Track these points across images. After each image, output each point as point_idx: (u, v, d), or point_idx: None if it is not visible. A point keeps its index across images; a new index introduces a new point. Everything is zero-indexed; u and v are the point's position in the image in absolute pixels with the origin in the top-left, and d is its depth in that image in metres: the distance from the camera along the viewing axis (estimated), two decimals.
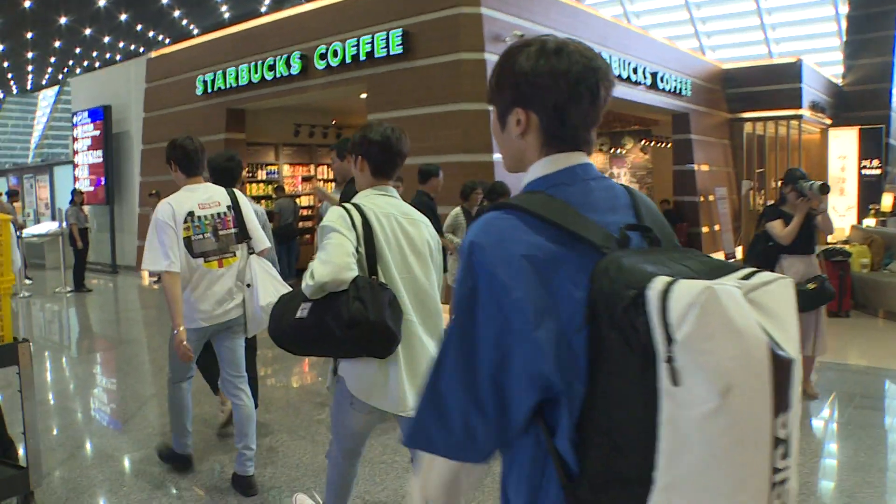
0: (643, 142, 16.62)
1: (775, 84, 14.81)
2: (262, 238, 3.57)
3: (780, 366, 0.83)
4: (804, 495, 3.44)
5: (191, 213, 3.36)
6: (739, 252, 14.35)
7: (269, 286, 3.39)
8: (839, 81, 17.76)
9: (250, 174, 12.90)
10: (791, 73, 14.83)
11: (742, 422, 0.82)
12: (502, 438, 1.04)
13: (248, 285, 3.44)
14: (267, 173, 13.45)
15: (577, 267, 0.97)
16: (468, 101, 8.37)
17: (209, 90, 11.84)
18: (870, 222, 12.73)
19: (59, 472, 3.82)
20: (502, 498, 1.11)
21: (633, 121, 15.38)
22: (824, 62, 18.16)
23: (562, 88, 1.07)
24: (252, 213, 3.61)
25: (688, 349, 0.81)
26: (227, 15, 22.73)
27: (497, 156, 8.19)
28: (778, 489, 0.86)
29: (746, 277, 0.89)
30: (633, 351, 0.86)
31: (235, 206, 3.52)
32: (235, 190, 3.65)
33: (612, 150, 17.02)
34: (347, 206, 2.34)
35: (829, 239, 4.93)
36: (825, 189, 4.63)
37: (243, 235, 3.50)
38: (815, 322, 4.86)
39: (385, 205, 2.40)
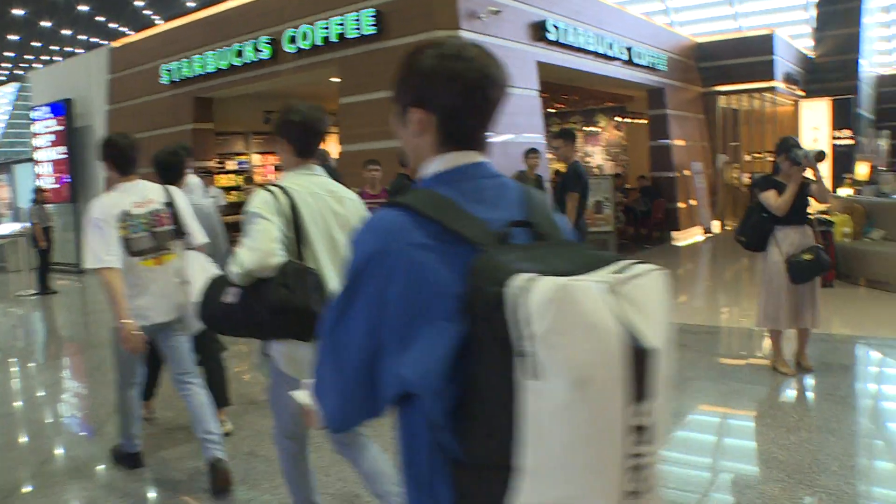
0: (617, 118, 16.51)
1: (748, 57, 14.77)
2: (198, 233, 3.56)
3: (639, 356, 0.86)
4: (814, 472, 3.33)
5: (126, 213, 3.30)
6: (716, 226, 14.37)
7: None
8: (811, 54, 17.77)
9: (220, 164, 12.54)
10: (764, 45, 14.80)
11: (597, 413, 0.86)
12: (371, 414, 1.11)
13: (187, 282, 3.32)
14: (238, 163, 13.12)
15: (457, 263, 0.99)
16: None
17: (175, 79, 11.45)
18: (845, 192, 12.75)
19: (28, 488, 3.58)
20: (406, 479, 1.12)
21: (607, 98, 15.24)
22: (794, 35, 18.14)
23: (456, 92, 1.10)
24: (187, 210, 3.57)
25: (543, 344, 0.84)
26: (190, 4, 22.13)
27: None
28: (633, 474, 0.88)
29: (620, 271, 0.93)
30: (499, 346, 0.89)
31: (171, 202, 3.49)
32: (171, 187, 3.61)
33: (585, 129, 16.90)
34: (273, 189, 2.34)
35: (809, 209, 4.80)
36: (821, 156, 4.48)
37: (180, 232, 3.48)
38: (811, 294, 4.75)
39: (311, 184, 2.42)
